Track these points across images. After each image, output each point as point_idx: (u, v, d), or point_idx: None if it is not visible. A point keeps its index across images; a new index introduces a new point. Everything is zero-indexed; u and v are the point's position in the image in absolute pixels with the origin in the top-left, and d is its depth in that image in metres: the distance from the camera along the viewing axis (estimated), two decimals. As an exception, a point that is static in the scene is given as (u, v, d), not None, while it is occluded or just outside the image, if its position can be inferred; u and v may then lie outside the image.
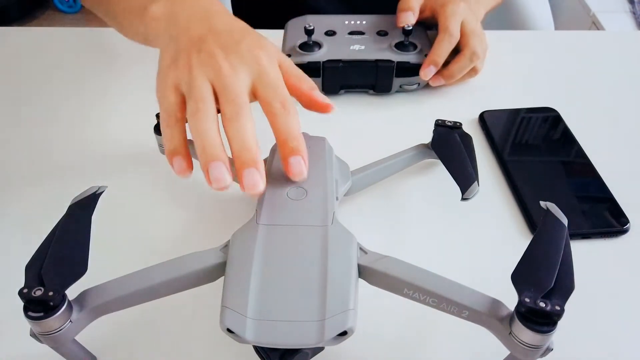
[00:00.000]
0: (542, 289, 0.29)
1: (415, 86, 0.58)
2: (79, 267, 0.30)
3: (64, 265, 0.30)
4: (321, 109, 0.39)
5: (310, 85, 0.39)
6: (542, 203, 0.35)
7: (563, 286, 0.29)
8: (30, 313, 0.28)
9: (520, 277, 0.30)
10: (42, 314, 0.28)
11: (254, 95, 0.37)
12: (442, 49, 0.55)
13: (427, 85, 0.58)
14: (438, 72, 0.56)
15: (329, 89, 0.58)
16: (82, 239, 0.32)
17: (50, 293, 0.28)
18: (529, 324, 0.28)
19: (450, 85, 0.59)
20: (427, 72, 0.55)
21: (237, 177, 0.33)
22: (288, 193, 0.37)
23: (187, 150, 0.35)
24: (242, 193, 0.45)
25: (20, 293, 0.28)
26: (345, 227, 0.34)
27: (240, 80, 0.36)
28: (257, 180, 0.33)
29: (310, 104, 0.39)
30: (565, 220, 0.33)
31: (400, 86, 0.58)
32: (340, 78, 0.57)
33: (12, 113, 0.56)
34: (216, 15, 0.41)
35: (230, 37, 0.38)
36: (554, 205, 0.35)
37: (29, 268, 0.30)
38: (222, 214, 0.45)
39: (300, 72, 0.40)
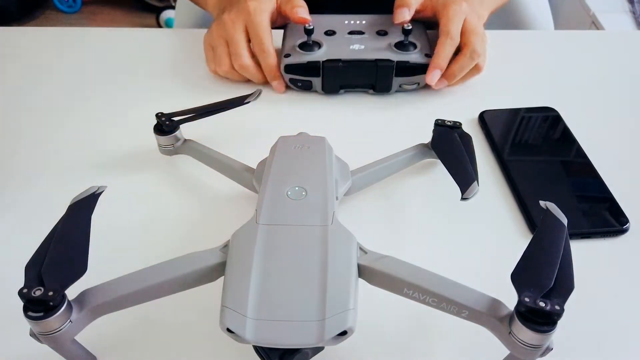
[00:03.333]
0: (541, 288, 0.29)
1: (415, 86, 0.58)
2: (79, 267, 0.30)
3: (64, 265, 0.30)
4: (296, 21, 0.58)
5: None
6: (541, 203, 0.35)
7: (563, 286, 0.29)
8: (30, 313, 0.28)
9: (520, 276, 0.30)
10: (42, 314, 0.28)
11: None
12: (445, 52, 0.55)
13: (426, 85, 0.58)
14: (439, 74, 0.56)
15: (329, 89, 0.58)
16: (82, 239, 0.32)
17: (50, 293, 0.28)
18: (528, 324, 0.28)
19: (453, 85, 0.59)
20: (433, 77, 0.55)
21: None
22: (288, 193, 0.37)
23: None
24: (242, 193, 0.45)
25: (20, 293, 0.28)
26: (345, 227, 0.34)
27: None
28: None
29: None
30: (564, 220, 0.33)
31: (400, 86, 0.58)
32: (340, 78, 0.57)
33: (11, 113, 0.56)
34: None
35: None
36: (553, 205, 0.35)
37: (28, 268, 0.30)
38: (222, 214, 0.45)
39: None
